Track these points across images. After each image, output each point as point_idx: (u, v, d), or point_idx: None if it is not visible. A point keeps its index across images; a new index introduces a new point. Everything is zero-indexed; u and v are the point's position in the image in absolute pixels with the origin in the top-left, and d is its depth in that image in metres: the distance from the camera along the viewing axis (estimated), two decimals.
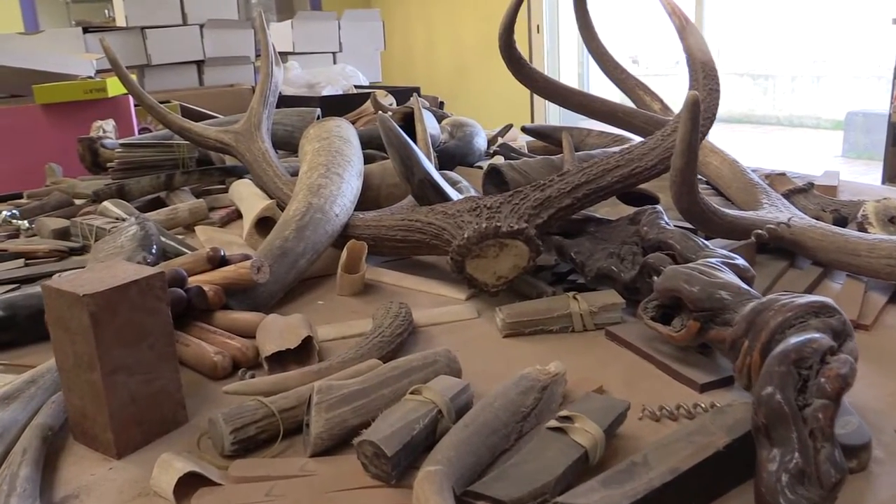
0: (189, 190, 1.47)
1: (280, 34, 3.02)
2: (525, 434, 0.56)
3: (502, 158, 1.55)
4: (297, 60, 2.91)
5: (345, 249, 0.93)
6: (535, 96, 5.16)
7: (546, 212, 0.83)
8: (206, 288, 0.81)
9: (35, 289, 0.89)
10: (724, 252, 0.76)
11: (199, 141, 1.43)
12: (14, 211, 1.40)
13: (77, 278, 0.58)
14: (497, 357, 0.75)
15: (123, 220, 1.22)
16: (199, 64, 2.81)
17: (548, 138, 1.71)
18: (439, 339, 0.79)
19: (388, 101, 2.41)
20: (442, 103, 2.71)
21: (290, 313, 0.88)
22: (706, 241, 0.79)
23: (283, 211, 1.17)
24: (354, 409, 0.58)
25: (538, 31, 5.22)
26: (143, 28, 2.64)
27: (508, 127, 1.89)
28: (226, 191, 1.56)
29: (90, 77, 2.07)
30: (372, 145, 1.75)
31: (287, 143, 1.75)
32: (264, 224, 1.17)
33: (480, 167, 1.66)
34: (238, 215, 1.38)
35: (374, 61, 3.24)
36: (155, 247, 1.01)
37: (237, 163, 1.53)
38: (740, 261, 0.73)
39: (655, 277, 0.77)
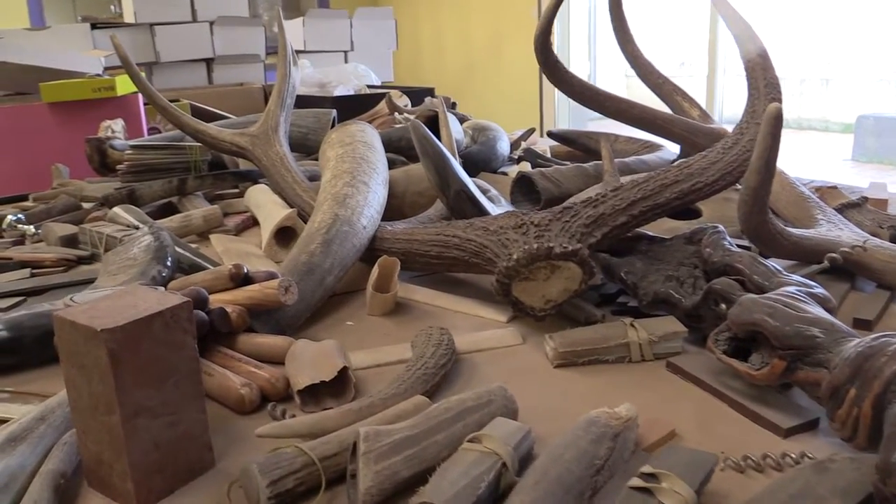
0: (202, 195, 1.41)
1: (291, 32, 2.95)
2: (599, 489, 0.50)
3: (529, 165, 1.48)
4: (307, 59, 2.84)
5: (376, 266, 0.86)
6: (544, 96, 5.10)
7: (599, 230, 0.77)
8: (228, 309, 0.74)
9: (43, 305, 0.82)
10: (800, 278, 0.70)
11: (214, 144, 1.37)
12: (19, 215, 1.33)
13: (93, 308, 0.52)
14: (551, 391, 0.68)
15: (135, 227, 1.15)
16: (209, 62, 2.75)
17: (573, 143, 1.64)
18: (483, 368, 0.73)
19: (403, 102, 2.35)
20: (454, 104, 2.65)
21: (317, 334, 0.82)
22: (777, 266, 0.72)
23: (304, 221, 1.11)
24: (406, 459, 0.51)
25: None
26: (152, 25, 2.58)
27: (531, 131, 1.82)
28: (240, 196, 1.50)
29: (98, 75, 2.00)
30: (390, 148, 1.68)
31: (302, 146, 1.69)
32: (284, 234, 1.10)
33: (505, 173, 1.59)
34: (254, 222, 1.32)
35: (386, 61, 3.17)
36: (170, 259, 0.94)
37: (252, 166, 1.46)
38: (819, 289, 0.67)
39: (723, 305, 0.70)
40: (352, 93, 2.69)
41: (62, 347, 0.51)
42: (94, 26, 2.46)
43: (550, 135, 1.62)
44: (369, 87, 2.79)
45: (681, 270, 0.78)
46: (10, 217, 1.32)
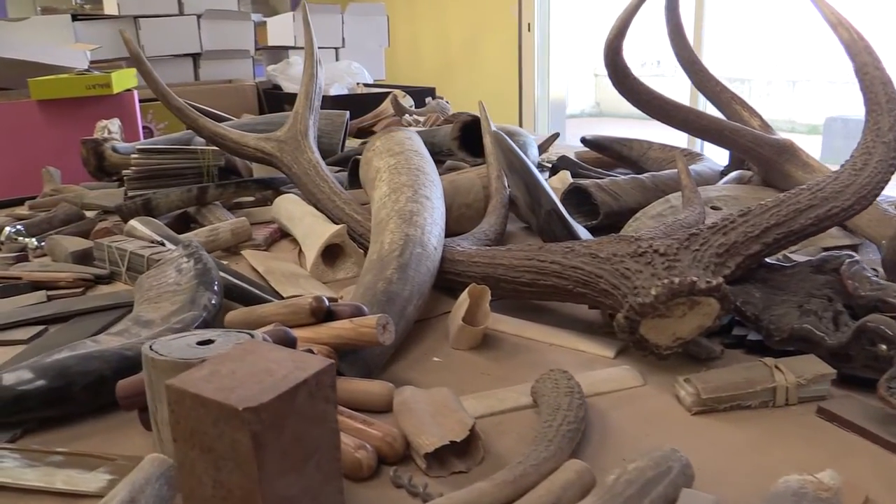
0: (220, 204, 1.29)
1: (281, 27, 2.83)
2: None
3: (569, 174, 1.40)
4: (298, 55, 2.71)
5: (465, 296, 0.77)
6: (524, 94, 5.04)
7: (732, 260, 0.68)
8: (314, 350, 0.64)
9: (84, 343, 0.71)
10: None
11: (236, 150, 1.25)
12: (18, 226, 1.20)
13: (215, 375, 0.42)
14: (700, 444, 0.60)
15: (158, 243, 1.04)
16: (195, 57, 2.60)
17: (605, 150, 1.57)
18: (612, 416, 0.64)
19: (408, 102, 2.25)
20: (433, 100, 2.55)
21: (402, 373, 0.73)
22: None
23: (350, 237, 1.01)
24: None
25: (529, 30, 5.09)
26: (136, 17, 2.42)
27: (555, 136, 1.74)
28: (260, 204, 1.39)
29: (87, 70, 1.86)
30: None
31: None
32: (329, 251, 1.00)
33: None
34: (281, 234, 1.21)
35: (378, 58, 3.06)
36: (216, 283, 0.84)
37: (273, 173, 1.35)
38: None
39: (883, 346, 0.62)
40: (346, 92, 2.58)
41: (178, 424, 0.41)
42: (75, 17, 2.30)
43: (584, 141, 1.54)
44: (366, 85, 2.69)
45: (813, 303, 0.70)
46: (7, 229, 1.19)
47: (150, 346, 0.53)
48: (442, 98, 2.38)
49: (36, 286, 0.99)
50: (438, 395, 0.61)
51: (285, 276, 0.95)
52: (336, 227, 0.99)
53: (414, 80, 4.07)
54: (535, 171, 0.81)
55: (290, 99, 2.51)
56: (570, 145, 2.07)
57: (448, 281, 0.88)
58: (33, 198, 1.57)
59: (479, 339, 0.78)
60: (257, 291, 0.90)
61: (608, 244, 0.74)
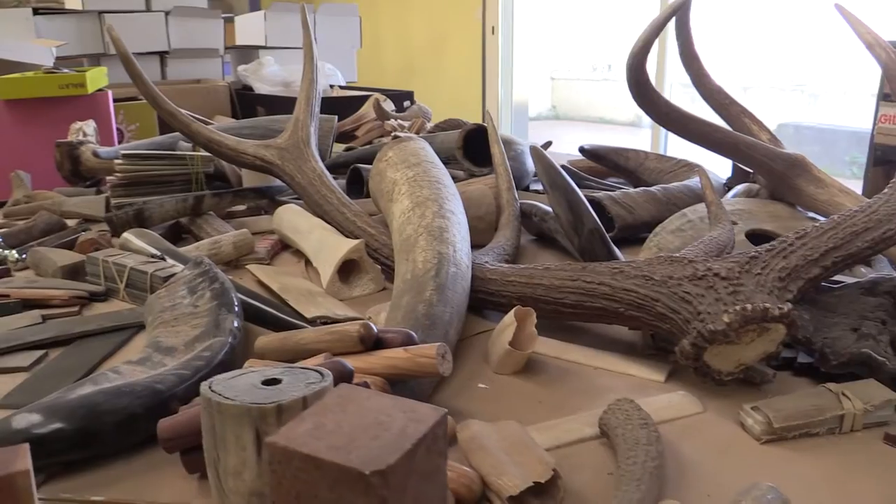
0: (214, 213, 1.23)
1: (251, 26, 2.75)
2: None
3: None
4: (271, 55, 2.64)
5: (511, 318, 0.73)
6: (488, 97, 5.03)
7: (794, 284, 0.67)
8: (368, 381, 0.60)
9: (106, 374, 0.65)
10: None
11: (233, 157, 1.19)
12: None
13: (320, 430, 0.37)
14: (783, 479, 0.57)
15: (159, 258, 0.98)
16: (163, 55, 2.50)
17: (602, 160, 1.55)
18: (680, 447, 0.61)
19: (389, 106, 2.20)
20: (411, 104, 2.51)
21: (448, 401, 0.69)
22: None
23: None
24: None
25: (493, 33, 5.08)
26: (101, 12, 2.32)
27: (548, 144, 1.71)
28: (253, 213, 1.33)
29: (56, 69, 1.76)
30: None
31: None
32: (342, 267, 0.95)
33: (537, 191, 1.48)
34: (283, 246, 1.16)
35: (350, 60, 3.00)
36: (237, 305, 0.78)
37: (267, 181, 1.30)
38: None
39: None
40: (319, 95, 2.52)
41: (280, 486, 0.37)
42: (36, 11, 2.18)
43: (582, 151, 1.52)
44: (340, 87, 2.63)
45: (867, 326, 0.69)
46: None
47: (211, 387, 0.48)
48: (417, 102, 2.34)
49: (27, 305, 0.92)
50: (508, 430, 0.57)
51: (302, 295, 0.90)
52: (353, 242, 0.94)
53: (374, 82, 4.01)
54: (577, 188, 0.78)
55: (263, 101, 2.44)
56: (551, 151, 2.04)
57: (479, 300, 0.84)
58: (2, 203, 1.48)
59: (523, 364, 0.75)
60: (273, 311, 0.85)
61: (660, 265, 0.71)
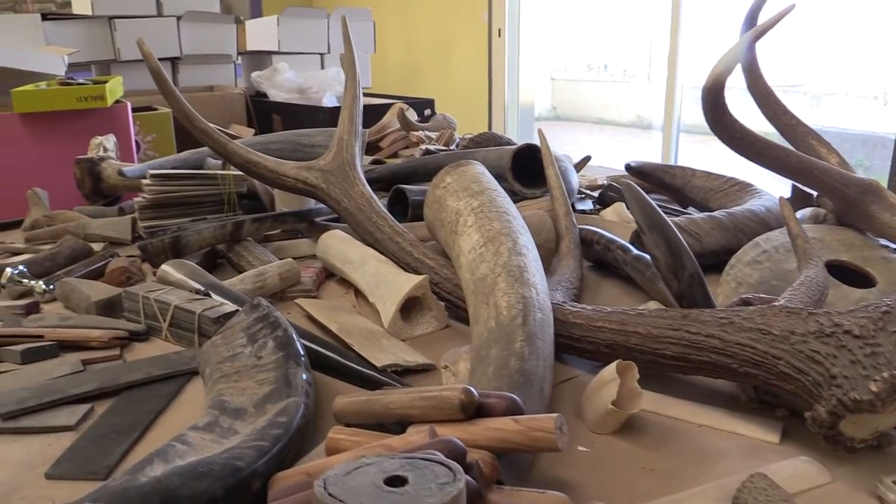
0: (252, 239, 1.15)
1: (264, 31, 2.67)
2: None
3: (624, 206, 1.31)
4: (285, 61, 2.57)
5: (612, 372, 0.66)
6: (494, 99, 4.97)
7: None
8: (476, 458, 0.53)
9: (173, 446, 0.58)
10: None
11: (273, 180, 1.12)
12: (21, 268, 1.05)
13: None
14: None
15: (204, 293, 0.91)
16: (174, 61, 2.43)
17: (648, 177, 1.49)
18: None
19: (412, 116, 2.14)
20: (431, 113, 2.44)
21: (547, 468, 0.63)
22: None
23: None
24: None
25: (499, 35, 5.03)
26: (111, 18, 2.24)
27: (587, 159, 1.65)
28: (289, 235, 1.25)
29: (71, 78, 1.68)
30: (416, 178, 1.47)
31: None
32: (404, 304, 0.89)
33: (583, 211, 1.42)
34: (327, 275, 1.09)
35: (364, 65, 2.93)
36: (304, 356, 0.71)
37: (306, 203, 1.23)
38: None
39: None
40: (336, 102, 2.45)
41: None
42: (44, 17, 2.10)
43: (628, 168, 1.45)
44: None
45: None
46: (9, 270, 1.03)
47: (327, 488, 0.41)
48: (417, 101, 2.27)
49: (63, 346, 0.85)
50: None
51: (363, 336, 0.83)
52: (416, 279, 0.87)
53: (379, 85, 3.94)
54: (675, 229, 0.72)
55: (279, 108, 2.37)
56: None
57: (561, 345, 0.77)
58: (18, 222, 1.40)
59: (622, 422, 0.68)
60: (339, 358, 0.78)
61: (775, 317, 0.65)
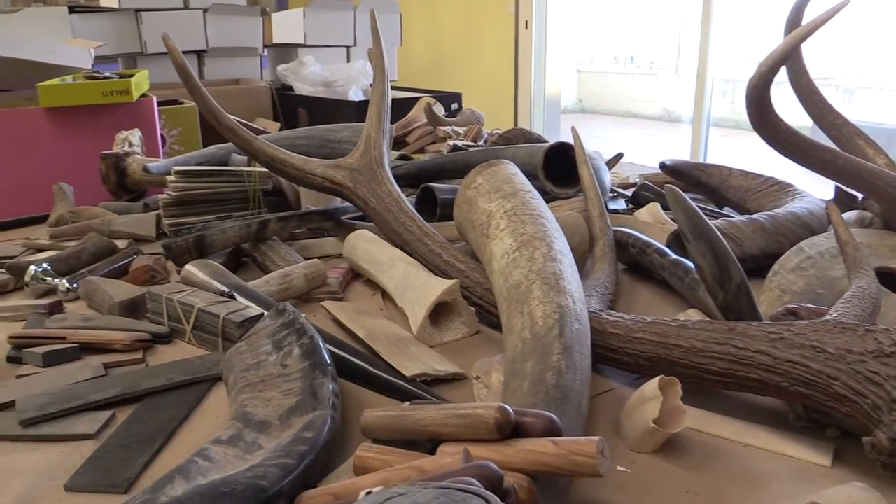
0: (277, 238, 1.13)
1: (290, 24, 2.65)
2: None
3: (659, 207, 1.27)
4: (311, 54, 2.55)
5: (654, 389, 0.63)
6: (520, 92, 4.92)
7: None
8: (513, 483, 0.50)
9: (196, 462, 0.56)
10: None
11: (299, 178, 1.10)
12: (45, 265, 1.03)
13: None
14: None
15: (228, 295, 0.88)
16: (200, 54, 2.42)
17: (683, 176, 1.44)
18: None
19: (439, 110, 2.10)
20: (458, 107, 2.40)
21: (586, 488, 0.60)
22: None
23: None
24: None
25: (526, 27, 4.97)
26: (137, 10, 2.23)
27: (619, 157, 1.61)
28: (314, 234, 1.23)
29: (97, 72, 1.67)
30: (444, 175, 1.44)
31: None
32: (434, 309, 0.86)
33: (616, 210, 1.38)
34: (354, 275, 1.06)
35: (391, 58, 2.89)
36: (331, 365, 0.69)
37: (332, 202, 1.20)
38: None
39: None
40: (363, 96, 2.42)
41: None
42: (71, 10, 2.10)
43: (662, 167, 1.41)
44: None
45: None
46: (33, 268, 1.02)
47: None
48: (444, 95, 2.24)
49: (85, 348, 0.83)
50: None
51: (391, 343, 0.81)
52: (446, 283, 0.84)
53: (404, 77, 3.91)
54: (722, 237, 0.68)
55: (305, 102, 2.35)
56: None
57: (597, 356, 0.74)
58: (44, 217, 1.39)
59: (664, 441, 0.65)
60: (366, 366, 0.76)
61: (829, 334, 0.61)
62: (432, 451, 0.57)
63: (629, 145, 6.54)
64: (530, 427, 0.55)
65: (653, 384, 0.64)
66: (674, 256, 0.96)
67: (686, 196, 0.69)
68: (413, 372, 0.74)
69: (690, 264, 0.94)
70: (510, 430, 0.54)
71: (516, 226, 0.83)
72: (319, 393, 0.64)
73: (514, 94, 4.96)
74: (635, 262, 1.07)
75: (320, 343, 0.71)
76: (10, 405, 0.72)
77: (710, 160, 4.08)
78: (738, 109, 7.79)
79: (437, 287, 0.85)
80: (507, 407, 0.54)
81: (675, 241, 1.07)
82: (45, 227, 1.35)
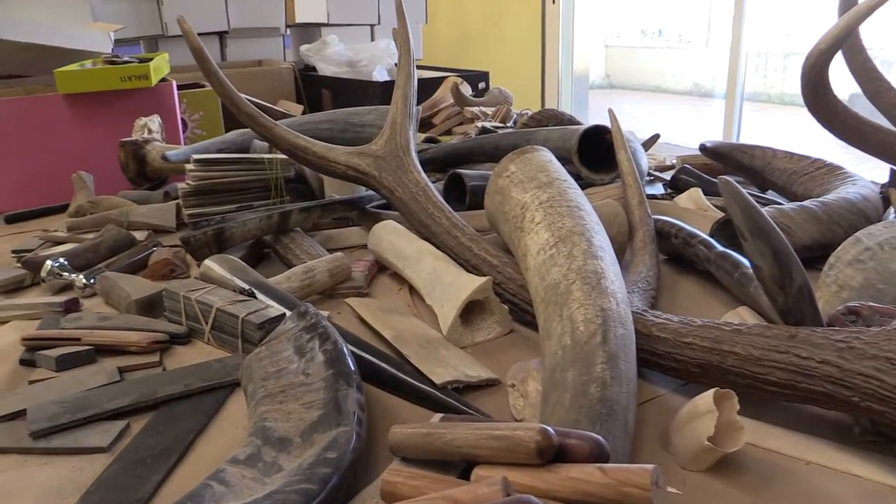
0: (300, 229, 1.09)
1: (312, 3, 2.59)
2: None
3: (701, 193, 1.20)
4: (335, 33, 2.49)
5: (709, 403, 0.57)
6: (547, 68, 4.81)
7: None
8: None
9: (209, 489, 0.51)
10: None
11: (322, 166, 1.05)
12: (62, 259, 1.00)
13: None
14: None
15: (248, 293, 0.84)
16: (222, 35, 2.37)
17: (724, 159, 1.37)
18: None
19: (466, 90, 2.04)
20: (485, 87, 2.33)
21: None
22: None
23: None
24: None
25: (553, 2, 4.85)
26: None
27: (655, 138, 1.53)
28: (339, 223, 1.18)
29: (116, 56, 1.63)
30: (473, 159, 1.38)
31: None
32: (465, 307, 0.81)
33: (654, 196, 1.31)
34: (379, 268, 1.01)
35: (416, 37, 2.82)
36: (356, 374, 0.64)
37: (355, 188, 1.15)
38: None
39: None
40: (388, 76, 2.36)
41: None
42: None
43: (703, 149, 1.34)
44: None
45: None
46: (50, 263, 0.98)
47: None
48: (470, 73, 2.17)
49: (99, 349, 0.79)
50: None
51: (420, 345, 0.76)
52: (479, 281, 0.79)
53: (429, 58, 3.84)
54: (782, 234, 0.62)
55: (329, 83, 2.29)
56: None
57: (642, 361, 0.68)
58: (63, 207, 1.37)
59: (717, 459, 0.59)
60: (393, 371, 0.71)
61: None
62: (467, 471, 0.52)
63: (659, 122, 6.40)
64: (575, 450, 0.49)
65: (707, 398, 0.58)
66: (720, 248, 0.90)
67: (742, 190, 0.63)
68: (444, 379, 0.69)
69: (739, 257, 0.88)
70: (553, 454, 0.49)
71: (553, 219, 0.77)
72: (344, 406, 0.59)
73: (540, 71, 4.86)
74: (677, 253, 1.01)
75: (344, 349, 0.66)
76: (21, 414, 0.68)
77: (743, 136, 3.95)
78: (771, 83, 7.57)
79: (468, 285, 0.79)
80: (550, 429, 0.49)
81: (720, 230, 1.01)
82: (64, 217, 1.32)
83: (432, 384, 0.69)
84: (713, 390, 0.58)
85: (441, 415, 0.63)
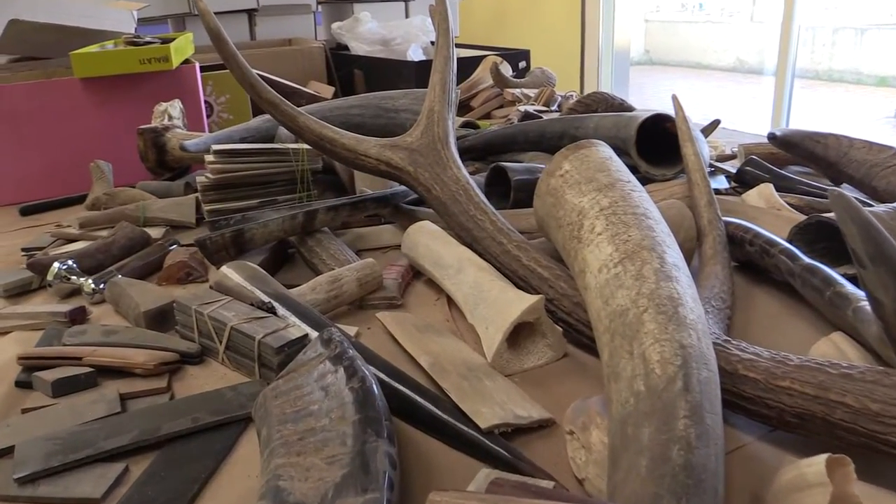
0: (328, 230, 0.99)
1: None
2: None
3: (772, 188, 1.07)
4: (367, 10, 2.38)
5: (819, 473, 0.47)
6: (587, 44, 4.64)
7: None
8: None
9: None
10: None
11: (351, 160, 0.95)
12: (70, 262, 0.92)
13: None
14: None
15: (267, 307, 0.75)
16: (251, 13, 2.27)
17: (795, 148, 1.23)
18: None
19: (506, 70, 1.92)
20: (526, 66, 2.20)
21: None
22: None
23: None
24: None
25: None
26: None
27: (715, 124, 1.40)
28: (371, 220, 1.09)
29: (137, 37, 1.55)
30: (515, 148, 1.27)
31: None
32: (513, 329, 0.70)
33: (718, 191, 1.19)
34: (414, 274, 0.91)
35: (453, 13, 2.70)
36: (386, 419, 0.54)
37: (388, 182, 1.05)
38: None
39: None
40: (423, 56, 2.24)
41: None
42: None
43: (772, 138, 1.21)
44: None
45: None
46: (57, 265, 0.90)
47: None
48: (510, 52, 2.04)
49: (101, 370, 0.71)
50: None
51: (461, 375, 0.66)
52: (529, 300, 0.69)
53: (465, 35, 3.70)
54: None
55: (361, 63, 2.19)
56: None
57: (726, 404, 0.57)
58: (81, 198, 1.29)
59: None
60: (430, 407, 0.61)
61: None
62: None
63: (701, 99, 6.17)
64: None
65: (818, 466, 0.47)
66: (807, 261, 0.78)
67: (860, 206, 0.51)
68: (490, 422, 0.59)
69: (831, 273, 0.75)
70: None
71: (617, 229, 0.66)
72: (371, 464, 0.49)
73: (580, 47, 4.69)
74: (750, 261, 0.89)
75: (374, 387, 0.56)
76: (9, 451, 0.60)
77: (793, 116, 3.75)
78: (818, 59, 7.27)
79: (517, 303, 0.69)
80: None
81: (800, 234, 0.88)
82: (82, 208, 1.25)
83: (476, 426, 0.59)
84: (824, 457, 0.47)
85: (488, 471, 0.54)
